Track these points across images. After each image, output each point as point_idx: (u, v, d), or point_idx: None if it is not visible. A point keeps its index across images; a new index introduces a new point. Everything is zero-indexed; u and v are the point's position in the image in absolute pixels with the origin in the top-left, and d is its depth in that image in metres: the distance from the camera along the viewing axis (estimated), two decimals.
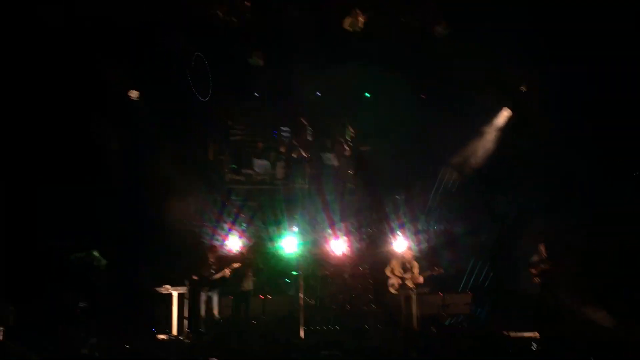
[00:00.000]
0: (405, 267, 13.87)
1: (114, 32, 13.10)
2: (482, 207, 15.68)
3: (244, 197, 16.51)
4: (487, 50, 13.54)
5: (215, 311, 13.38)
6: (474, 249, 15.67)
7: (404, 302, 13.73)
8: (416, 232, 16.18)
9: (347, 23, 13.31)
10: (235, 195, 16.46)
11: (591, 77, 13.26)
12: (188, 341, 12.55)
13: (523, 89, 14.97)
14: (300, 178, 16.85)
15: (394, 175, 16.38)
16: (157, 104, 14.85)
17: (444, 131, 15.71)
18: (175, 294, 13.37)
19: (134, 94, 14.77)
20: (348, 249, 16.09)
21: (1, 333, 11.63)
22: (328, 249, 16.08)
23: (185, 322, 13.44)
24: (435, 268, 14.10)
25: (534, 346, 11.23)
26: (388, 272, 14.07)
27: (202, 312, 13.35)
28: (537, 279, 13.65)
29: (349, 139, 16.85)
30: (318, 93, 16.33)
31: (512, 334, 12.32)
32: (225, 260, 13.86)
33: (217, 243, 15.01)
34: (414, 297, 13.65)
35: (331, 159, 16.93)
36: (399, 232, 16.19)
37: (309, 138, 16.98)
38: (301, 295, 13.34)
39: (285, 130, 16.99)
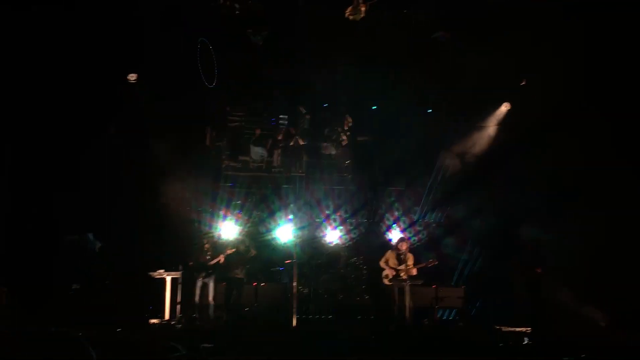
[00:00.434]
0: (400, 259, 13.86)
1: (111, 16, 13.04)
2: (478, 200, 15.62)
3: (240, 183, 16.48)
4: (488, 41, 13.52)
5: (210, 297, 13.35)
6: (470, 242, 15.63)
7: (397, 294, 13.72)
8: (411, 224, 16.17)
9: (348, 12, 13.23)
10: (232, 182, 16.44)
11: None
12: (180, 326, 12.54)
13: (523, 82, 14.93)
14: (297, 166, 16.81)
15: (391, 166, 16.36)
16: (155, 89, 14.79)
17: (442, 123, 15.71)
18: (168, 279, 13.36)
19: (132, 77, 14.70)
20: (343, 238, 16.10)
21: None
22: (323, 238, 16.10)
23: (178, 307, 13.43)
24: (430, 260, 14.09)
25: (525, 341, 11.27)
26: (382, 263, 14.06)
27: (197, 298, 13.33)
28: (522, 277, 13.74)
29: (347, 129, 16.78)
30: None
31: (504, 328, 12.35)
32: (220, 246, 13.85)
33: (212, 229, 14.99)
34: (407, 288, 13.65)
35: (328, 148, 16.89)
36: (394, 223, 16.20)
37: (307, 126, 16.92)
38: (294, 283, 13.32)
39: (283, 118, 16.93)
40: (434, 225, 16.51)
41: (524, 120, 15.01)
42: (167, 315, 13.21)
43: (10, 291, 12.23)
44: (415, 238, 16.08)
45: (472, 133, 16.21)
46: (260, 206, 16.31)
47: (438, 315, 14.33)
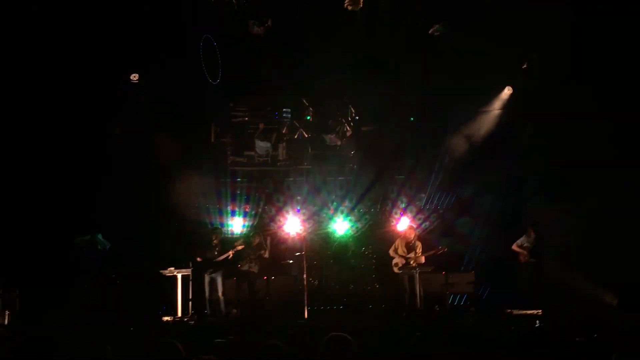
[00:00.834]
0: (409, 247, 13.89)
1: (113, 12, 13.07)
2: (484, 182, 15.59)
3: (246, 178, 16.52)
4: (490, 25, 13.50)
5: (220, 292, 13.42)
6: (478, 225, 15.61)
7: (408, 282, 13.76)
8: (419, 211, 16.17)
9: (347, 2, 13.22)
10: (238, 177, 16.47)
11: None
12: (192, 323, 12.61)
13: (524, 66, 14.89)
14: (302, 159, 16.83)
15: (397, 154, 16.35)
16: (158, 87, 14.84)
17: (446, 109, 15.68)
18: (179, 276, 13.42)
19: (134, 77, 14.74)
20: (351, 229, 16.12)
21: (7, 316, 11.72)
22: (331, 229, 16.12)
23: (190, 304, 13.50)
24: (439, 247, 14.12)
25: (537, 323, 11.29)
26: (392, 252, 14.09)
27: (207, 293, 13.41)
28: (523, 258, 13.81)
29: (351, 119, 16.78)
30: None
31: (515, 312, 12.36)
32: (229, 242, 13.90)
33: (220, 225, 15.05)
34: (417, 276, 13.67)
35: (333, 140, 16.87)
36: (402, 212, 16.20)
37: (310, 118, 16.92)
38: (305, 275, 13.37)
39: (286, 111, 16.93)
40: (441, 211, 16.47)
41: (526, 101, 15.03)
42: (179, 313, 13.27)
43: (22, 293, 12.32)
44: (426, 224, 16.07)
45: (475, 117, 16.18)
46: (267, 200, 16.34)
47: (449, 302, 14.37)
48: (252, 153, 16.73)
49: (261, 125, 16.76)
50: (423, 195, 16.43)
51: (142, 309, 12.86)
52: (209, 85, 14.73)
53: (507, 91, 15.78)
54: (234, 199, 16.07)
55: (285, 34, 14.16)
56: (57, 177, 13.72)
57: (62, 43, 13.09)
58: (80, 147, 13.93)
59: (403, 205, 16.33)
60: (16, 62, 12.90)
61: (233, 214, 15.99)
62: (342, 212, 16.26)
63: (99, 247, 13.27)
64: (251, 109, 16.82)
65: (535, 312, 12.11)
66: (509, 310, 12.49)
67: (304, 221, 15.48)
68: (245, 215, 16.05)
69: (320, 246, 15.52)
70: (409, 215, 15.96)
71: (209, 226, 14.87)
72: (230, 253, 13.40)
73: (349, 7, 13.25)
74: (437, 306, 13.90)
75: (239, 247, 13.53)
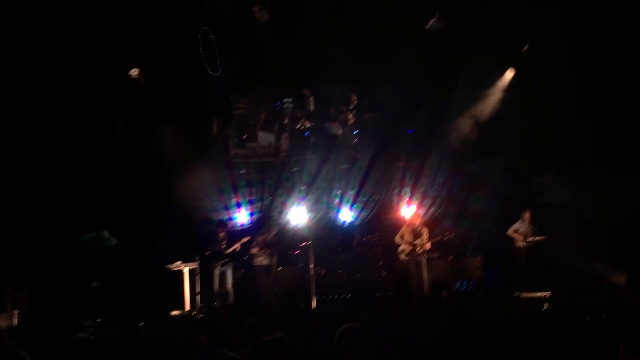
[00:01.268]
0: (416, 233, 13.88)
1: (113, 8, 13.02)
2: (487, 170, 15.54)
3: (250, 170, 16.52)
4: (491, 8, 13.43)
5: (229, 285, 13.46)
6: (484, 212, 15.55)
7: (415, 268, 13.76)
8: (425, 197, 16.13)
9: None
10: (241, 169, 16.47)
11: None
12: (201, 316, 12.64)
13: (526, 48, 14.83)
14: (305, 149, 16.80)
15: (400, 141, 16.32)
16: (159, 81, 14.81)
17: (449, 94, 15.61)
18: (186, 270, 13.43)
19: (134, 72, 14.71)
20: (357, 217, 16.12)
21: (16, 316, 11.75)
22: (336, 218, 16.13)
23: (198, 297, 13.52)
24: (446, 233, 14.10)
25: (545, 306, 11.29)
26: (398, 239, 14.08)
27: (216, 286, 13.45)
28: (519, 243, 13.83)
29: (352, 107, 16.73)
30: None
31: (524, 294, 12.35)
32: (236, 234, 13.92)
33: (225, 218, 15.06)
34: (424, 262, 13.67)
35: (335, 128, 16.84)
36: (407, 198, 16.18)
37: (312, 108, 16.87)
38: (311, 265, 13.38)
39: (287, 101, 16.89)
40: (447, 194, 16.43)
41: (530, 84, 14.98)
42: (187, 306, 13.30)
43: (30, 292, 12.35)
44: (432, 209, 16.05)
45: (479, 99, 16.14)
46: (271, 191, 16.34)
47: (457, 287, 14.38)
48: (255, 144, 16.71)
49: (262, 116, 16.71)
50: (428, 180, 16.38)
51: (151, 304, 12.88)
52: (209, 78, 14.69)
53: (509, 73, 15.73)
54: (238, 191, 16.07)
55: (285, 22, 14.10)
56: (62, 175, 13.72)
57: (61, 39, 13.05)
58: (84, 144, 13.92)
59: (408, 192, 16.30)
60: (18, 59, 12.86)
61: (238, 206, 15.99)
62: (347, 201, 16.26)
63: (105, 244, 13.28)
64: (252, 100, 16.78)
65: (543, 294, 12.10)
66: (517, 293, 12.49)
67: (308, 211, 15.50)
68: (250, 207, 16.04)
69: (326, 235, 15.52)
70: (415, 201, 15.95)
71: (214, 219, 14.85)
72: (238, 245, 13.43)
73: None
74: (445, 292, 13.90)
75: (245, 240, 13.56)
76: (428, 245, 13.75)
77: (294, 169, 16.60)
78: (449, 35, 14.29)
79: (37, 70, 13.12)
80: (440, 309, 12.02)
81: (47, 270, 12.85)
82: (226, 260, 13.42)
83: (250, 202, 16.10)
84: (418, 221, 14.07)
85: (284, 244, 14.45)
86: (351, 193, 16.28)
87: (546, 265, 13.55)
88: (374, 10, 13.83)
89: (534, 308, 11.22)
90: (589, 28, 13.18)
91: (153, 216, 14.26)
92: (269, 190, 16.34)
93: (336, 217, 16.18)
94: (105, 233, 13.45)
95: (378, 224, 15.99)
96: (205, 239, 13.75)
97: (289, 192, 16.18)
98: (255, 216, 16.01)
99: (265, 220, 15.29)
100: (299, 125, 16.77)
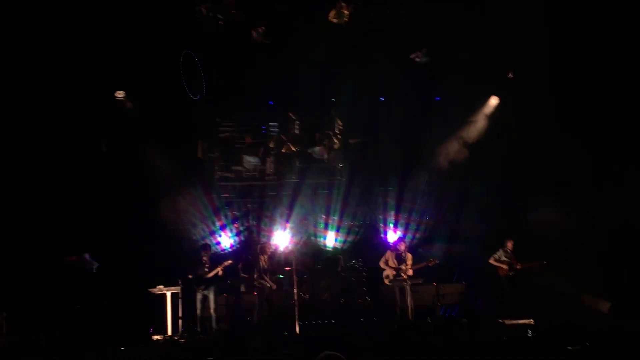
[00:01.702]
0: (400, 258, 13.88)
1: (98, 31, 13.03)
2: (471, 196, 15.61)
3: (234, 194, 16.48)
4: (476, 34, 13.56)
5: (211, 309, 13.34)
6: (468, 238, 15.58)
7: (399, 294, 13.72)
8: (409, 224, 16.16)
9: (332, 15, 13.26)
10: (226, 193, 16.43)
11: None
12: (183, 341, 12.51)
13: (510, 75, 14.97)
14: (290, 173, 16.80)
15: (385, 167, 16.35)
16: (145, 103, 14.81)
17: (433, 121, 15.70)
18: (169, 294, 13.31)
19: (120, 95, 14.71)
20: (340, 242, 16.10)
21: None
22: (320, 242, 16.10)
23: (180, 322, 13.39)
24: (431, 259, 14.10)
25: (529, 333, 11.29)
26: (382, 264, 14.07)
27: (198, 311, 13.32)
28: (502, 272, 13.87)
29: (338, 132, 16.78)
30: None
31: (507, 321, 12.34)
32: (218, 258, 13.84)
33: (209, 241, 14.97)
34: (408, 288, 13.64)
35: (320, 153, 16.86)
36: (391, 224, 16.19)
37: (297, 132, 16.90)
38: (295, 290, 13.30)
39: (273, 125, 16.90)
40: (431, 222, 16.47)
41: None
42: (169, 331, 13.15)
43: (9, 315, 12.18)
44: (416, 235, 16.07)
45: (464, 126, 16.25)
46: (256, 215, 16.30)
47: (441, 313, 14.35)
48: (240, 168, 16.68)
49: (248, 140, 16.71)
50: (413, 207, 16.41)
51: (132, 328, 12.74)
52: (195, 101, 14.69)
53: (494, 100, 15.86)
54: (222, 214, 16.02)
55: (271, 47, 14.13)
56: (44, 196, 13.62)
57: (46, 59, 13.02)
58: (68, 165, 13.85)
59: (392, 217, 16.31)
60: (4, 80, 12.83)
61: (222, 229, 15.93)
62: (331, 225, 16.24)
63: (87, 267, 13.16)
64: (238, 124, 16.76)
65: (527, 321, 12.09)
66: (500, 320, 12.47)
67: (292, 235, 15.47)
68: (234, 230, 15.99)
69: (310, 260, 15.48)
70: (399, 226, 15.97)
71: (199, 242, 14.77)
72: (219, 269, 13.33)
73: (334, 21, 13.28)
74: (428, 318, 13.87)
75: (227, 263, 13.48)
76: (410, 272, 13.75)
77: (279, 193, 16.56)
78: (433, 66, 14.42)
79: (22, 90, 13.08)
80: (424, 335, 11.99)
81: (27, 293, 12.70)
82: (209, 284, 13.31)
83: (235, 226, 16.04)
84: (402, 247, 14.07)
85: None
86: (336, 218, 16.27)
87: (529, 292, 13.59)
88: (360, 36, 13.89)
89: (517, 335, 11.20)
90: (568, 46, 13.40)
91: (136, 238, 14.17)
92: (254, 214, 16.30)
93: (320, 241, 16.14)
94: (87, 256, 13.32)
95: (362, 249, 15.97)
96: (188, 263, 13.65)
97: (274, 216, 16.14)
98: (238, 240, 15.95)
99: (253, 244, 15.25)
100: (284, 149, 16.76)
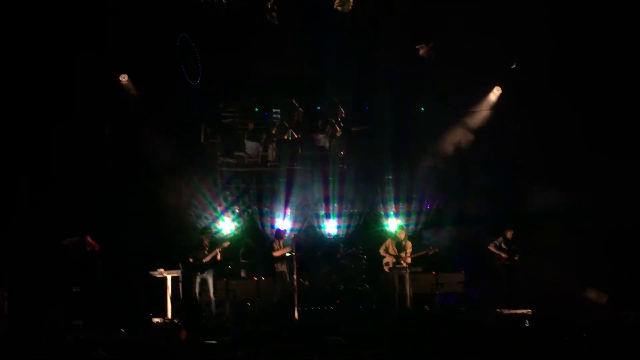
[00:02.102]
0: (400, 246, 13.95)
1: (101, 14, 13.04)
2: (474, 186, 15.62)
3: (236, 179, 16.51)
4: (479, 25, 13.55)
5: (211, 293, 13.41)
6: (469, 227, 15.59)
7: (398, 281, 13.80)
8: (409, 212, 16.18)
9: (337, 3, 13.25)
10: (228, 178, 16.46)
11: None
12: (182, 324, 12.56)
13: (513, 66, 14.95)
14: (292, 159, 16.81)
15: (387, 155, 16.36)
16: (148, 88, 14.82)
17: (436, 110, 15.69)
18: (169, 277, 13.37)
19: (123, 78, 14.73)
20: (341, 229, 16.15)
21: None
22: (321, 229, 16.14)
23: (180, 305, 13.43)
24: (431, 248, 14.17)
25: (526, 323, 11.34)
26: (382, 251, 14.15)
27: (197, 295, 13.38)
28: (499, 261, 13.93)
29: (340, 120, 16.78)
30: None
31: (505, 311, 12.41)
32: (219, 241, 13.90)
33: (210, 225, 15.02)
34: (407, 276, 13.71)
35: (322, 140, 16.87)
36: (392, 211, 16.22)
37: (300, 119, 16.90)
38: (295, 276, 13.36)
39: (276, 112, 16.90)
40: (432, 210, 16.48)
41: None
42: (169, 314, 13.23)
43: (11, 296, 12.23)
44: (417, 223, 16.10)
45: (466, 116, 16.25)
46: (257, 201, 16.34)
47: (439, 301, 14.42)
48: (242, 154, 16.70)
49: (250, 126, 16.73)
50: (414, 194, 16.42)
51: (132, 311, 12.81)
52: (198, 86, 14.70)
53: (496, 91, 15.84)
54: (223, 199, 16.07)
55: (275, 32, 14.11)
56: (47, 178, 13.67)
57: (50, 44, 13.04)
58: (70, 148, 13.87)
59: (393, 205, 16.33)
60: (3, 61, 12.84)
61: (223, 214, 15.98)
62: (332, 212, 16.28)
63: (88, 249, 13.21)
64: (241, 110, 16.77)
65: (524, 311, 12.16)
66: (498, 310, 12.55)
67: (293, 222, 15.52)
68: (234, 215, 16.04)
69: (310, 246, 15.53)
70: (400, 214, 16.00)
71: (199, 227, 14.82)
72: (218, 252, 13.39)
73: (339, 8, 13.26)
74: (427, 306, 13.94)
75: (225, 244, 13.54)
76: (408, 260, 13.82)
77: (280, 179, 16.59)
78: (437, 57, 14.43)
79: (27, 72, 13.09)
80: (422, 323, 12.04)
81: (29, 274, 12.76)
82: (208, 267, 13.37)
83: (236, 211, 16.09)
84: (403, 234, 14.13)
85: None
86: (337, 205, 16.30)
87: (527, 282, 13.65)
88: (365, 25, 13.88)
89: (515, 325, 11.25)
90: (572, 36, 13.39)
91: (138, 222, 14.23)
92: (255, 200, 16.34)
93: (321, 228, 16.19)
94: (88, 238, 13.36)
95: (363, 236, 16.02)
96: (188, 247, 13.71)
97: (275, 202, 16.17)
98: (239, 225, 16.00)
99: (254, 230, 15.34)
100: (286, 136, 16.78)
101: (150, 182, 14.69)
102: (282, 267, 13.79)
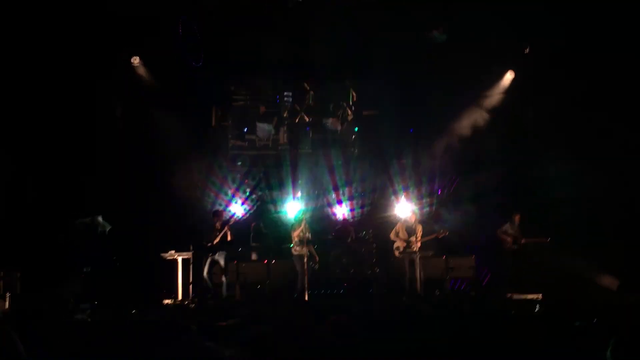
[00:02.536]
0: (410, 231, 13.92)
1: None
2: (485, 169, 15.53)
3: (247, 162, 16.51)
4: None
5: (222, 275, 13.45)
6: (479, 211, 15.52)
7: (408, 266, 13.79)
8: (420, 196, 16.12)
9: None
10: (239, 161, 16.47)
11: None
12: (193, 305, 12.64)
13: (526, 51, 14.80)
14: (304, 143, 16.79)
15: (398, 139, 16.29)
16: (159, 71, 14.81)
17: (447, 93, 15.57)
18: (180, 259, 13.43)
19: (135, 61, 14.72)
20: (352, 213, 16.13)
21: (8, 299, 11.74)
22: (332, 213, 16.14)
23: (191, 287, 13.52)
24: (441, 230, 14.14)
25: (537, 308, 11.30)
26: (392, 236, 14.13)
27: (206, 275, 13.43)
28: (506, 245, 13.90)
29: (352, 103, 16.72)
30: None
31: (516, 296, 12.38)
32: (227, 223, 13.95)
33: (221, 208, 15.04)
34: (417, 260, 13.70)
35: (334, 124, 16.83)
36: (403, 196, 16.17)
37: (312, 103, 16.86)
38: (305, 259, 13.39)
39: (287, 95, 16.85)
40: (444, 194, 16.42)
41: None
42: (180, 296, 13.30)
43: (23, 275, 12.33)
44: (425, 210, 16.04)
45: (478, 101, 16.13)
46: (268, 184, 16.34)
47: (450, 286, 14.41)
48: (253, 137, 16.69)
49: (262, 109, 16.70)
50: (425, 177, 16.36)
51: (143, 292, 12.89)
52: (209, 68, 14.68)
53: (509, 75, 15.71)
54: (234, 182, 16.08)
55: (287, 15, 14.04)
56: (59, 159, 13.74)
57: (60, 28, 13.04)
58: (82, 129, 13.93)
59: (405, 190, 16.27)
60: (11, 43, 12.84)
61: (234, 197, 16.00)
62: (342, 196, 16.26)
63: (100, 229, 13.28)
64: (252, 92, 16.74)
65: (535, 296, 12.13)
66: (509, 295, 12.53)
67: (304, 205, 15.50)
68: (246, 198, 16.05)
69: (320, 230, 15.52)
70: (411, 199, 15.94)
71: (210, 209, 14.85)
72: (227, 231, 13.43)
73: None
74: (437, 290, 13.93)
75: (232, 221, 13.64)
76: (418, 244, 13.78)
77: (292, 163, 16.57)
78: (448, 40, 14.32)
79: (37, 56, 13.11)
80: (432, 307, 12.02)
81: (40, 253, 12.85)
82: (219, 249, 13.41)
83: (247, 194, 16.10)
84: (413, 219, 14.09)
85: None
86: (347, 189, 16.28)
87: (536, 267, 13.61)
88: (377, 8, 13.76)
89: (525, 310, 11.22)
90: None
91: (149, 204, 14.28)
92: (265, 183, 16.34)
93: (331, 212, 16.18)
94: (100, 218, 13.43)
95: (373, 221, 16.00)
96: (200, 229, 13.75)
97: (285, 185, 16.17)
98: (250, 208, 16.01)
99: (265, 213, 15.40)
100: (297, 120, 16.75)
101: (162, 164, 14.71)
102: (301, 251, 13.72)
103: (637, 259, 13.19)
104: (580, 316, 9.14)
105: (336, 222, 16.10)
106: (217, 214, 13.94)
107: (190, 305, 12.69)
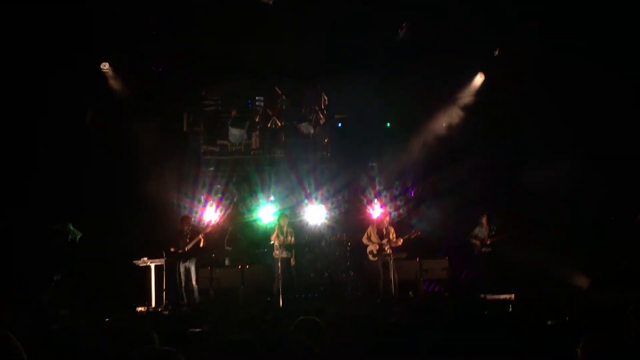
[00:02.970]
0: (382, 234, 13.94)
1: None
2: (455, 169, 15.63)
3: (219, 167, 16.44)
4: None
5: (194, 281, 13.38)
6: (450, 211, 15.61)
7: (382, 268, 13.81)
8: (392, 198, 16.19)
9: None
10: (211, 166, 16.40)
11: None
12: (167, 312, 12.54)
13: (496, 53, 14.91)
14: (276, 147, 16.77)
15: (369, 142, 16.34)
16: (130, 77, 14.70)
17: (418, 97, 15.65)
18: (152, 266, 13.33)
19: (104, 66, 14.59)
20: (325, 217, 16.13)
21: None
22: (305, 217, 16.12)
23: (164, 294, 13.42)
24: (413, 231, 14.19)
25: (510, 308, 11.40)
26: (365, 240, 14.14)
27: (182, 283, 13.36)
28: (477, 250, 14.10)
29: (324, 107, 16.73)
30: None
31: (489, 296, 12.47)
32: (199, 229, 13.88)
33: (190, 213, 14.94)
34: (391, 263, 13.73)
35: (306, 128, 16.81)
36: (375, 199, 16.22)
37: (284, 107, 16.84)
38: (279, 264, 13.35)
39: (259, 100, 16.81)
40: (415, 197, 16.50)
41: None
42: (153, 303, 13.19)
43: None
44: (397, 212, 16.11)
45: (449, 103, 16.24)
46: (241, 189, 16.29)
47: (424, 288, 14.47)
48: (225, 142, 16.62)
49: (234, 114, 16.64)
50: (397, 181, 16.44)
51: (116, 300, 12.76)
52: (180, 73, 14.61)
53: (479, 77, 15.84)
54: (206, 188, 16.00)
55: (258, 18, 14.00)
56: (30, 166, 13.55)
57: (31, 32, 12.87)
58: (52, 136, 13.75)
59: (376, 192, 16.33)
60: None
61: (207, 202, 15.92)
62: (316, 200, 16.26)
63: (70, 237, 13.13)
64: (223, 97, 16.68)
65: (508, 297, 12.22)
66: (482, 295, 12.61)
67: (278, 209, 15.47)
68: (218, 204, 15.99)
69: (295, 234, 15.49)
70: (382, 201, 16.00)
71: (181, 215, 14.75)
72: (201, 239, 13.37)
73: None
74: (411, 292, 13.99)
75: (208, 230, 13.54)
76: (400, 242, 13.80)
77: (264, 167, 16.54)
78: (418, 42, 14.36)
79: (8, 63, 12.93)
80: (406, 309, 12.08)
81: (9, 262, 12.65)
82: (190, 255, 13.35)
83: (220, 199, 16.03)
84: (385, 221, 14.12)
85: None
86: (320, 192, 16.28)
87: (508, 268, 13.72)
88: (345, 11, 13.78)
89: (499, 310, 11.31)
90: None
91: (121, 210, 14.15)
92: (238, 188, 16.28)
93: (305, 216, 16.16)
94: (70, 226, 13.28)
95: (347, 224, 16.02)
96: (171, 235, 13.67)
97: (258, 190, 16.13)
98: (223, 213, 15.95)
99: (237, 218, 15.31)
100: (270, 124, 16.71)
101: (133, 170, 14.58)
102: (279, 255, 13.67)
103: (607, 258, 13.38)
104: (552, 315, 9.26)
105: (310, 225, 16.08)
106: (185, 219, 13.87)
107: (164, 312, 12.58)
